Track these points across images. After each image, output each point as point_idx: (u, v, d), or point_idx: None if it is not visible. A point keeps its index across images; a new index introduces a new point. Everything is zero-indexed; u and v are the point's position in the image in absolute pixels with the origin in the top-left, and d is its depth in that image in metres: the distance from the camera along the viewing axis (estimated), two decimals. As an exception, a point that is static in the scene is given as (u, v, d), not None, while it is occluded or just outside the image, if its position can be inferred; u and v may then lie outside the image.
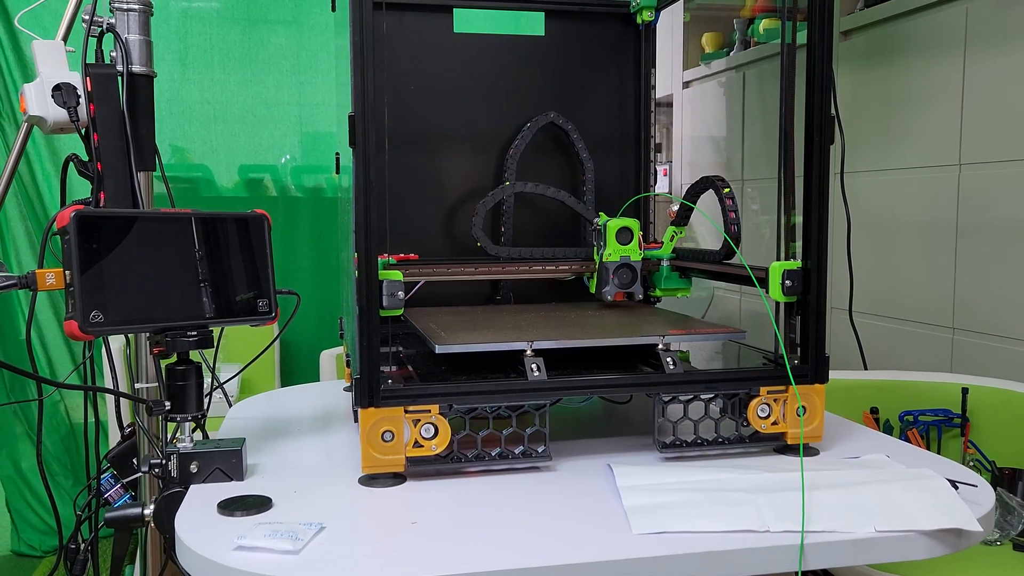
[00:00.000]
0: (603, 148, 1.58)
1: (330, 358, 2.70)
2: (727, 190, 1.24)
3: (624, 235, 1.35)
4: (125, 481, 1.29)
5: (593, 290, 1.40)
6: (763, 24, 2.80)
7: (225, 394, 1.47)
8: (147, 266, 0.99)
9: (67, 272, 0.93)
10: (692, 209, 1.35)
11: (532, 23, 1.56)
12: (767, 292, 1.10)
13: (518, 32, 1.55)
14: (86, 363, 1.45)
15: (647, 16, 1.52)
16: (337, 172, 1.62)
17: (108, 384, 1.48)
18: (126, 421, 1.49)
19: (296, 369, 3.16)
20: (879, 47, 2.26)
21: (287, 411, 1.39)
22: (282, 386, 2.89)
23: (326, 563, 0.79)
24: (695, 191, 1.33)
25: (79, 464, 2.80)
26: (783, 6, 1.12)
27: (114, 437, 2.40)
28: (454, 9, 1.50)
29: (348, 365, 1.35)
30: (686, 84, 3.32)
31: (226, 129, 3.16)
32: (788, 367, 1.06)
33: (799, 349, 1.09)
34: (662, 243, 1.42)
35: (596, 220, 1.39)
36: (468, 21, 1.52)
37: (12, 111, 2.63)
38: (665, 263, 1.41)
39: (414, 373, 1.12)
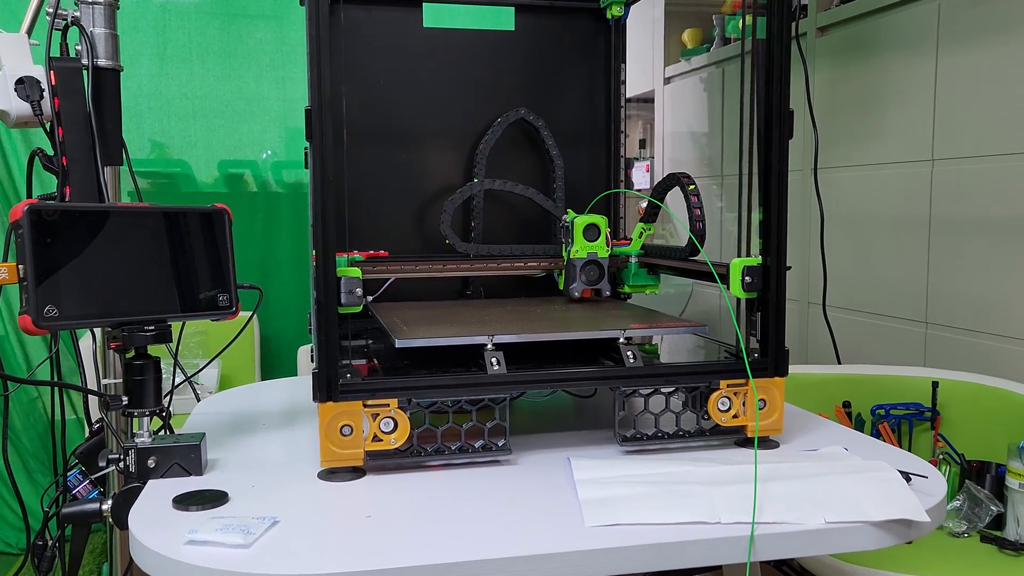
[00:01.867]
0: (573, 144, 1.58)
1: (307, 353, 2.69)
2: (692, 187, 1.24)
3: (591, 232, 1.35)
4: (93, 477, 1.29)
5: (562, 287, 1.41)
6: (741, 20, 2.81)
7: (194, 389, 1.47)
8: (104, 260, 0.98)
9: (20, 266, 0.92)
10: (659, 206, 1.35)
11: (502, 18, 1.56)
12: (728, 288, 1.11)
13: (488, 27, 1.55)
14: (52, 358, 1.44)
15: (616, 11, 1.52)
16: (307, 166, 1.61)
17: (79, 380, 1.48)
18: (96, 417, 1.48)
19: (277, 365, 3.16)
20: (855, 43, 2.27)
21: (256, 406, 1.38)
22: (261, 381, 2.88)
23: (276, 557, 0.78)
24: (662, 188, 1.33)
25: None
26: (747, 2, 1.12)
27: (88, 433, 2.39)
28: (423, 4, 1.50)
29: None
30: (667, 80, 3.32)
31: (206, 124, 3.14)
32: (746, 361, 1.06)
33: (759, 342, 1.10)
34: (630, 240, 1.42)
35: (564, 217, 1.39)
36: (438, 16, 1.52)
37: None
38: (633, 260, 1.41)
39: (379, 367, 1.12)
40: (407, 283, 1.40)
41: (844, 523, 0.84)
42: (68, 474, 1.30)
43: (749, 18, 1.09)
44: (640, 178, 3.51)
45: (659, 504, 0.87)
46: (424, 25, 1.51)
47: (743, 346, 1.07)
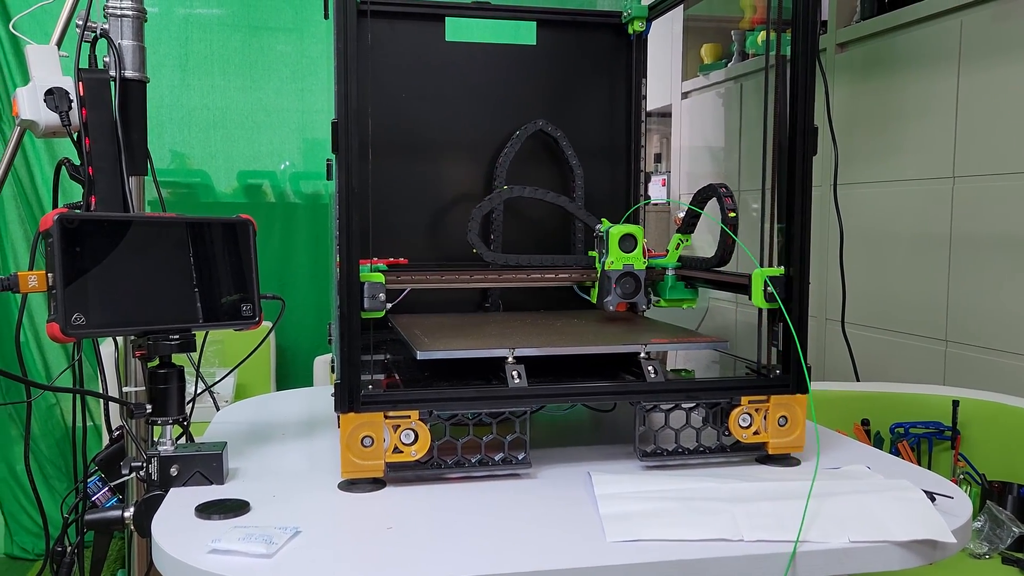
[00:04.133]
0: (593, 156, 1.59)
1: (324, 364, 2.70)
2: (728, 198, 1.21)
3: (627, 242, 1.29)
4: (112, 484, 1.29)
5: (594, 300, 1.36)
6: (760, 36, 2.81)
7: (213, 398, 1.48)
8: (131, 269, 0.99)
9: (50, 275, 0.94)
10: (698, 216, 1.31)
11: (524, 32, 1.57)
12: (750, 298, 1.10)
13: (510, 41, 1.56)
14: (74, 366, 1.45)
15: (638, 27, 1.53)
16: (329, 178, 1.63)
17: (100, 388, 1.49)
18: (115, 425, 1.49)
19: (292, 375, 3.17)
20: (875, 59, 2.27)
21: (274, 416, 1.39)
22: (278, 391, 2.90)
23: (299, 567, 0.79)
24: (701, 198, 1.30)
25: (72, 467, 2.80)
26: (770, 17, 1.12)
27: (106, 440, 2.41)
28: (446, 18, 1.51)
29: (333, 371, 1.35)
30: (685, 95, 3.33)
31: (226, 135, 3.18)
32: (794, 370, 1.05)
33: (781, 358, 1.09)
34: (667, 252, 1.36)
35: (598, 227, 1.35)
36: (460, 30, 1.53)
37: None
38: (670, 272, 1.34)
39: (399, 380, 1.12)
40: (425, 293, 1.40)
41: (868, 543, 0.83)
42: (88, 481, 1.31)
43: (772, 34, 1.09)
44: (656, 192, 3.51)
45: (681, 520, 0.86)
46: (446, 39, 1.52)
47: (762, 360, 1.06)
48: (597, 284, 1.33)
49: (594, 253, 1.39)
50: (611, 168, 1.61)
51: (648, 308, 1.32)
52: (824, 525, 0.85)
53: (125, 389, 1.43)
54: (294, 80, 3.19)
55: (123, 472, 1.03)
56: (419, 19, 1.50)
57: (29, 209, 2.73)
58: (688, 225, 1.33)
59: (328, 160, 1.63)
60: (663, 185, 3.49)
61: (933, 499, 0.91)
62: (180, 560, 0.80)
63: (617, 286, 1.29)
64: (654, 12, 1.53)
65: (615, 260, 1.29)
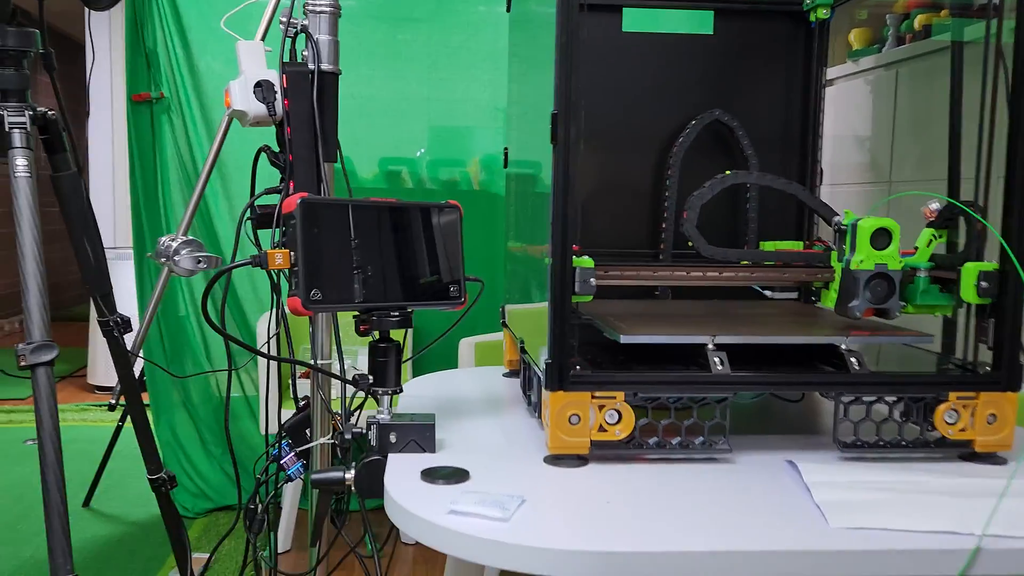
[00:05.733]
0: (766, 147, 1.58)
1: (468, 346, 2.79)
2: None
3: (881, 238, 1.11)
4: (298, 450, 1.40)
5: (829, 304, 1.20)
6: (919, 20, 2.69)
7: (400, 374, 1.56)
8: (359, 250, 1.07)
9: (292, 253, 1.02)
10: (956, 212, 1.15)
11: (701, 22, 1.57)
12: (959, 295, 1.08)
13: (687, 31, 1.57)
14: (272, 340, 1.56)
15: (822, 14, 1.51)
16: (506, 166, 1.68)
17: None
18: (300, 396, 1.60)
19: (429, 357, 3.28)
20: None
21: (456, 392, 1.46)
22: (413, 372, 3.02)
23: (533, 532, 0.84)
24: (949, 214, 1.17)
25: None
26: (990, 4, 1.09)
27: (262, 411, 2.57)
28: (623, 8, 1.54)
29: (523, 351, 1.39)
30: (829, 82, 3.23)
31: (369, 123, 3.31)
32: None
33: (993, 355, 1.07)
34: (915, 249, 1.18)
35: (838, 218, 1.19)
36: (637, 20, 1.55)
37: (179, 104, 2.83)
38: (923, 274, 1.15)
39: (588, 363, 1.16)
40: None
41: (1112, 545, 0.81)
42: (278, 446, 1.42)
43: (992, 23, 1.06)
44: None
45: (904, 511, 0.86)
46: (623, 29, 1.55)
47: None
48: (836, 286, 1.18)
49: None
50: (782, 159, 1.60)
51: (898, 315, 1.16)
52: (1062, 525, 0.83)
53: (321, 362, 1.53)
54: (434, 70, 3.30)
55: (346, 437, 1.10)
56: (597, 10, 1.53)
57: (226, 192, 2.91)
58: (946, 219, 1.17)
59: (505, 148, 1.70)
60: (802, 175, 3.40)
61: None
62: (423, 519, 0.86)
63: (867, 290, 1.12)
64: (838, -1, 1.50)
65: (865, 259, 1.12)
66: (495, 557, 0.82)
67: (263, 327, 2.71)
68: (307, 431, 1.59)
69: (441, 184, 3.43)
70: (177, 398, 3.06)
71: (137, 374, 2.41)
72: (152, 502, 2.13)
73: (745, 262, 1.26)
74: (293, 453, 1.40)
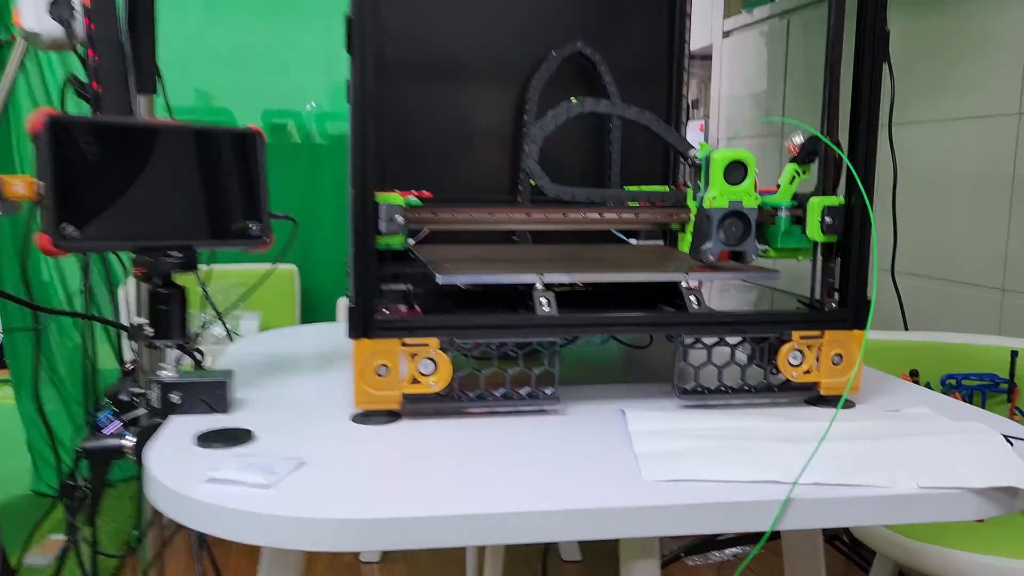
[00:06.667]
0: (630, 86, 1.47)
1: (346, 304, 2.65)
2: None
3: (735, 171, 0.99)
4: (126, 418, 1.24)
5: (685, 248, 1.07)
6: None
7: (227, 330, 1.41)
8: (130, 179, 0.91)
9: (40, 182, 0.86)
10: (819, 146, 1.03)
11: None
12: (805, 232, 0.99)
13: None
14: (86, 292, 1.39)
15: (684, -65, 1.40)
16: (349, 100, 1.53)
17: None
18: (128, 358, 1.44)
19: (318, 317, 3.13)
20: (937, -12, 2.11)
21: (291, 349, 1.32)
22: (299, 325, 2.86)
23: (300, 499, 0.71)
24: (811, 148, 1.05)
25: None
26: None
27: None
28: (476, -74, 1.40)
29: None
30: (726, 33, 3.16)
31: (250, 73, 3.09)
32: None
33: (837, 292, 0.99)
34: (778, 187, 1.05)
35: (692, 152, 1.05)
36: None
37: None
38: (784, 213, 1.03)
39: (420, 311, 1.04)
40: (446, 227, 1.29)
41: (940, 489, 0.74)
42: (99, 415, 1.26)
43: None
44: (693, 137, 3.37)
45: (726, 459, 0.78)
46: (475, -50, 1.41)
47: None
48: (691, 226, 1.05)
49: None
50: (649, 98, 1.49)
51: (755, 259, 1.03)
52: (890, 469, 0.76)
53: (137, 320, 1.37)
54: (321, 16, 3.08)
55: (122, 399, 0.96)
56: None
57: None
58: (809, 153, 1.04)
59: (348, 80, 1.54)
60: (701, 129, 3.35)
61: (1011, 443, 0.81)
62: (172, 489, 0.73)
63: (721, 229, 1.00)
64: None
65: (718, 195, 0.99)
66: (252, 532, 0.69)
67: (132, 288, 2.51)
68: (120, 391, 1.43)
69: (329, 139, 3.24)
70: (44, 374, 2.83)
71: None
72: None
73: (595, 201, 1.14)
74: (120, 423, 1.24)
